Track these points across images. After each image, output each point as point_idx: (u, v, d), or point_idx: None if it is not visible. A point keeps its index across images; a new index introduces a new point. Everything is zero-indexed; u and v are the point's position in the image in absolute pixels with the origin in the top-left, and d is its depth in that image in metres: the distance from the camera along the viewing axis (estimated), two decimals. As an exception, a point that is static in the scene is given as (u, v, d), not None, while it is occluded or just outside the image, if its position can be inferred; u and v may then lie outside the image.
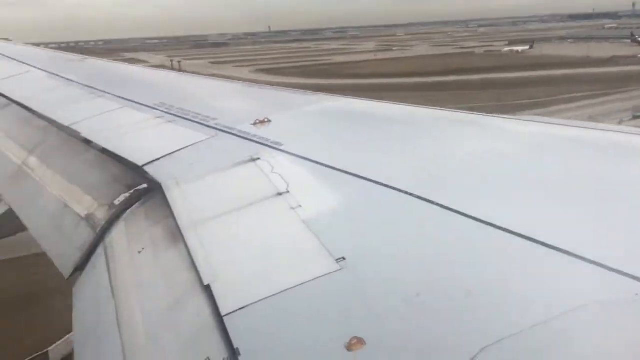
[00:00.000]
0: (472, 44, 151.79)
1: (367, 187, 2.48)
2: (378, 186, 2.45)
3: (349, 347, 1.53)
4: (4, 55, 9.64)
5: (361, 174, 2.58)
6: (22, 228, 3.79)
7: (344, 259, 1.93)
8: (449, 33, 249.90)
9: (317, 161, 2.84)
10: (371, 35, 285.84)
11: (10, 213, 4.06)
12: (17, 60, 8.95)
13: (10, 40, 12.81)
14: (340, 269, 1.88)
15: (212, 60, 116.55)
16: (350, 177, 2.59)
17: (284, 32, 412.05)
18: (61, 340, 11.07)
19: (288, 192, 2.56)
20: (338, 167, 2.72)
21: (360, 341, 1.54)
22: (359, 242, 2.08)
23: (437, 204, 2.19)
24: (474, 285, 1.69)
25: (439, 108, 3.72)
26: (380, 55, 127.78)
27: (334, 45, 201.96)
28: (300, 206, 2.40)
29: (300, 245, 2.13)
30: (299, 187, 2.60)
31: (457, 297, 1.66)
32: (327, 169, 2.74)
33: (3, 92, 6.63)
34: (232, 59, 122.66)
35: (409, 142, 3.20)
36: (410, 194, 2.31)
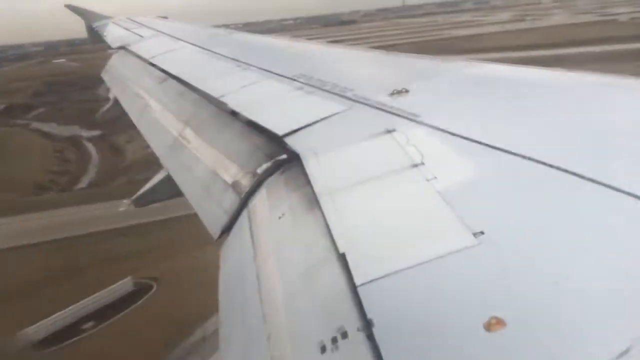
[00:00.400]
0: (621, 9, 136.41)
1: (509, 159, 2.31)
2: (522, 159, 2.27)
3: (488, 327, 1.46)
4: (161, 32, 10.52)
5: (503, 146, 2.41)
6: (179, 192, 4.12)
7: (482, 233, 1.83)
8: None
9: (455, 133, 2.72)
10: (513, 5, 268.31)
11: (169, 179, 4.45)
12: (173, 36, 9.62)
13: (167, 18, 13.94)
14: (479, 244, 1.79)
15: (330, 39, 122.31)
16: (491, 149, 2.44)
17: (418, 6, 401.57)
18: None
19: (423, 163, 2.50)
20: (478, 138, 2.57)
21: (499, 322, 1.46)
22: (498, 217, 1.95)
23: (589, 179, 1.99)
24: (630, 273, 1.54)
25: (596, 73, 3.39)
26: (508, 27, 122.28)
27: (465, 17, 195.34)
28: (436, 178, 2.32)
29: (435, 217, 2.06)
30: (434, 159, 2.52)
31: (609, 283, 1.52)
32: (465, 140, 2.61)
33: (162, 67, 7.20)
34: (349, 37, 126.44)
35: (559, 111, 2.92)
36: (559, 168, 2.11)
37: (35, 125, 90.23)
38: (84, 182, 61.50)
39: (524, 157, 2.29)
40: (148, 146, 5.31)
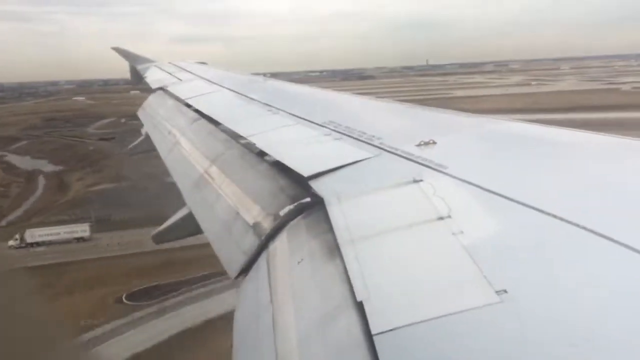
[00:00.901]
0: (630, 79, 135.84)
1: (535, 216, 2.27)
2: (547, 216, 2.23)
3: None
4: (199, 77, 10.93)
5: (528, 203, 2.38)
6: (199, 230, 4.11)
7: (505, 291, 1.77)
8: (618, 67, 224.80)
9: (482, 186, 2.68)
10: (529, 69, 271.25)
11: (189, 216, 4.44)
12: (210, 81, 9.97)
13: (206, 64, 14.47)
14: (501, 302, 1.73)
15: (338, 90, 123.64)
16: (517, 205, 2.40)
17: (440, 66, 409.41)
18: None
19: (450, 216, 2.45)
20: (504, 193, 2.53)
21: None
22: (522, 276, 1.89)
23: (613, 240, 1.95)
24: None
25: (615, 135, 3.42)
26: (511, 90, 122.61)
27: (477, 78, 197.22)
28: (462, 232, 2.27)
29: (459, 272, 2.01)
30: (461, 212, 2.47)
31: (631, 348, 1.46)
32: (492, 195, 2.57)
33: (196, 107, 7.41)
34: (358, 90, 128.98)
35: (581, 170, 2.93)
36: (583, 228, 2.07)
37: (9, 157, 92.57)
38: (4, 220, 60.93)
39: (548, 213, 2.26)
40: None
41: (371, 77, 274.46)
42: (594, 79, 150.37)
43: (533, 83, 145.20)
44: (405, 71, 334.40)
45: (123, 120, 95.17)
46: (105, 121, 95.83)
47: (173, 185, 5.30)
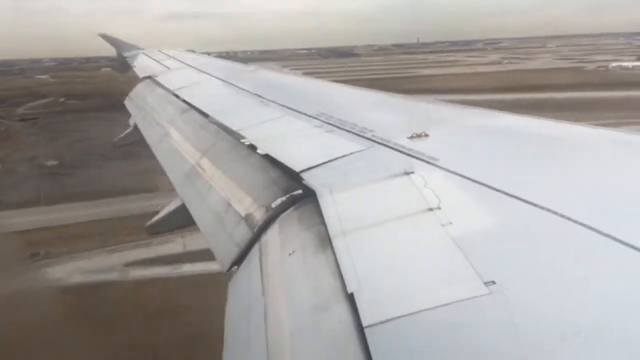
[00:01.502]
0: (603, 57, 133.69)
1: (525, 209, 2.31)
2: (537, 209, 2.28)
3: None
4: (188, 65, 10.82)
5: (519, 195, 2.42)
6: (192, 222, 4.13)
7: (493, 282, 1.81)
8: (604, 44, 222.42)
9: (473, 179, 2.71)
10: (515, 47, 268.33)
11: (182, 207, 4.45)
12: (199, 70, 9.89)
13: (194, 52, 14.39)
14: (489, 293, 1.76)
15: (310, 71, 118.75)
16: (508, 197, 2.44)
17: (431, 44, 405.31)
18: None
19: (439, 208, 2.49)
20: (495, 186, 2.57)
21: None
22: (511, 267, 1.93)
23: (601, 232, 1.98)
24: None
25: (612, 129, 3.44)
26: (468, 69, 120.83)
27: (458, 56, 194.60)
28: (451, 223, 2.31)
29: (447, 263, 2.04)
30: (451, 204, 2.51)
31: (619, 339, 1.49)
32: (483, 187, 2.61)
33: (184, 98, 7.35)
34: (329, 70, 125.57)
35: (574, 164, 2.95)
36: (572, 220, 2.12)
37: None
38: None
39: (537, 206, 2.30)
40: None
41: (354, 54, 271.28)
42: (566, 57, 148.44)
43: (504, 62, 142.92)
44: (392, 49, 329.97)
45: (62, 99, 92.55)
46: (44, 101, 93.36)
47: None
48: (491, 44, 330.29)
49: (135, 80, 11.46)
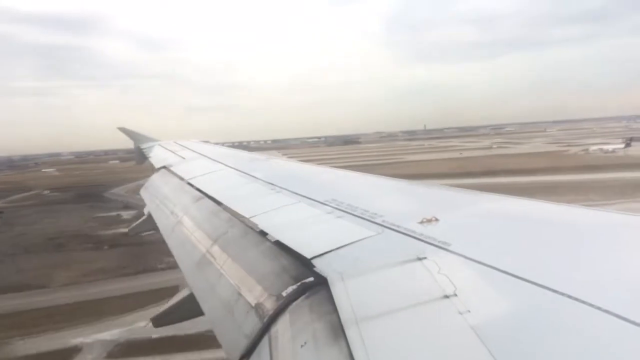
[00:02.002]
0: (592, 141, 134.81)
1: (543, 294, 2.24)
2: (555, 294, 2.21)
3: None
4: (203, 155, 10.97)
5: (536, 281, 2.36)
6: (200, 312, 4.02)
7: None
8: (602, 128, 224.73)
9: (488, 264, 2.65)
10: (516, 132, 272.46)
11: (191, 298, 4.35)
12: (213, 159, 9.99)
13: (209, 142, 14.60)
14: None
15: (297, 155, 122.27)
16: (525, 282, 2.38)
17: (438, 130, 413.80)
18: None
19: (455, 295, 2.41)
20: (511, 271, 2.51)
21: None
22: (534, 356, 1.84)
23: (626, 319, 1.92)
24: None
25: (623, 212, 3.45)
26: (467, 154, 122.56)
27: (454, 142, 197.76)
28: (469, 311, 2.23)
29: (467, 354, 1.94)
30: (467, 291, 2.43)
31: None
32: (498, 272, 2.54)
33: (198, 187, 7.44)
34: (325, 157, 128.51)
35: (589, 248, 2.90)
36: (594, 306, 2.05)
37: None
38: None
39: (555, 291, 2.24)
40: None
41: (356, 142, 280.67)
42: (556, 142, 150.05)
43: (493, 147, 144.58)
44: (400, 135, 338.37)
45: (46, 192, 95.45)
46: (27, 194, 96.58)
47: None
48: (496, 129, 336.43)
49: (141, 169, 11.86)
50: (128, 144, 18.58)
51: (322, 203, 4.74)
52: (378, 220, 3.81)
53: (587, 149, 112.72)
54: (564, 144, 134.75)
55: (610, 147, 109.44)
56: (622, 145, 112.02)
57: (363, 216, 4.03)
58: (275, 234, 4.12)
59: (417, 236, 3.30)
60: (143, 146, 15.81)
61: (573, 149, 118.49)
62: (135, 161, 16.15)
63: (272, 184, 6.23)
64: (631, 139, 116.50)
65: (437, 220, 3.54)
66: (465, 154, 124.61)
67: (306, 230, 4.12)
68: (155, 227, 7.26)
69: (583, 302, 2.08)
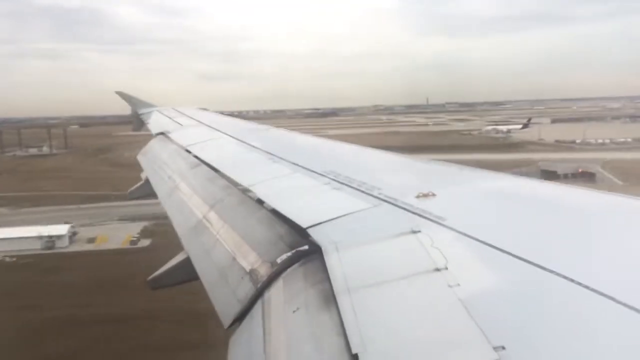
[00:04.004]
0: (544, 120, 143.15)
1: (534, 271, 2.28)
2: (544, 271, 2.25)
3: None
4: (201, 123, 11.08)
5: (526, 257, 2.40)
6: (196, 276, 4.07)
7: (503, 348, 1.75)
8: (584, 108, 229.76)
9: (481, 239, 2.70)
10: (501, 110, 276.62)
11: (187, 261, 4.43)
12: (211, 127, 10.10)
13: (207, 110, 14.61)
14: (499, 359, 1.71)
15: (280, 125, 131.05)
16: (516, 259, 2.42)
17: (439, 105, 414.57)
18: None
19: (446, 268, 2.45)
20: (502, 247, 2.56)
21: None
22: (521, 332, 1.88)
23: (611, 297, 1.96)
24: None
25: (618, 194, 3.44)
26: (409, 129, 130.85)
27: (418, 118, 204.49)
28: (459, 285, 2.26)
29: (455, 326, 1.99)
30: (458, 265, 2.48)
31: None
32: (490, 248, 2.59)
33: (196, 154, 7.51)
34: (299, 126, 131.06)
35: (580, 226, 2.95)
36: (581, 284, 2.09)
37: None
38: None
39: (544, 268, 2.27)
40: None
41: (332, 115, 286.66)
42: (489, 121, 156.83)
43: (429, 124, 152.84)
44: (395, 108, 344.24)
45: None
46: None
47: None
48: (494, 106, 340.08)
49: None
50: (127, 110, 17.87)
51: (320, 174, 4.80)
52: (375, 193, 3.87)
53: (480, 129, 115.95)
54: (485, 122, 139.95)
55: (505, 128, 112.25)
56: (519, 127, 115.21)
57: (361, 188, 4.08)
58: (272, 202, 4.19)
59: (414, 210, 3.35)
60: (141, 112, 15.69)
61: (477, 128, 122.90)
62: (133, 127, 16.08)
63: (270, 154, 6.32)
64: (529, 120, 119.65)
65: (434, 195, 3.60)
66: (388, 129, 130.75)
67: (303, 200, 4.19)
68: (152, 192, 7.47)
69: (571, 280, 2.12)
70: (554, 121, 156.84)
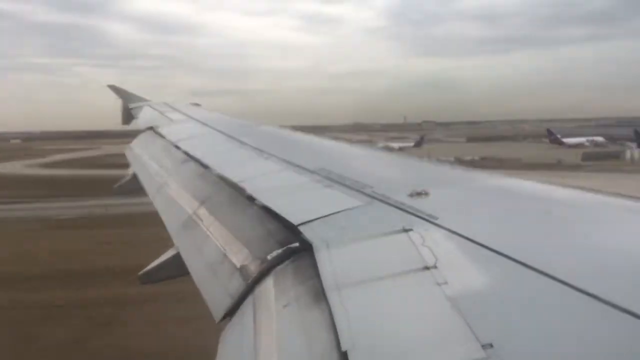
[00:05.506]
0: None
1: (523, 272, 2.31)
2: (534, 272, 2.27)
3: None
4: (192, 118, 10.91)
5: (517, 257, 2.42)
6: (187, 271, 4.09)
7: (491, 345, 1.76)
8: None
9: (472, 239, 2.72)
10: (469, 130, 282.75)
11: (178, 257, 4.44)
12: (202, 123, 9.94)
13: (200, 105, 14.52)
14: (487, 358, 1.71)
15: None
16: (505, 259, 2.44)
17: (416, 124, 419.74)
18: None
19: (436, 267, 2.47)
20: (493, 247, 2.58)
21: None
22: (509, 330, 1.91)
23: (598, 298, 1.97)
24: None
25: (613, 194, 3.45)
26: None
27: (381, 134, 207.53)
28: (447, 283, 2.29)
29: (443, 324, 2.01)
30: (448, 263, 2.51)
31: None
32: (481, 248, 2.61)
33: (185, 149, 7.40)
34: None
35: (573, 227, 2.98)
36: (570, 285, 2.10)
37: None
38: None
39: (534, 269, 2.29)
40: None
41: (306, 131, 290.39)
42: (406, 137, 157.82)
43: (374, 140, 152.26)
44: (372, 126, 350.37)
45: None
46: None
47: None
48: (468, 125, 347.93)
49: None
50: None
51: (311, 171, 4.79)
52: (367, 191, 3.88)
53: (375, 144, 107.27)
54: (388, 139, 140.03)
55: (396, 145, 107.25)
56: (412, 144, 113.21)
57: (352, 186, 4.08)
58: (263, 199, 4.19)
59: (406, 208, 3.36)
60: (131, 106, 15.43)
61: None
62: (121, 121, 15.63)
63: (261, 150, 6.28)
64: (422, 138, 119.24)
65: (427, 194, 3.61)
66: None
67: (294, 197, 4.20)
68: (140, 187, 7.39)
69: (559, 280, 2.14)
70: (469, 140, 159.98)
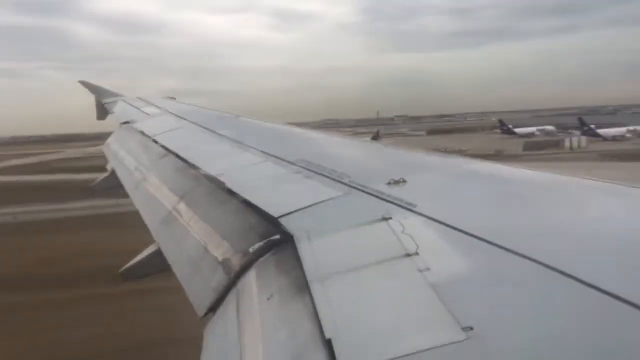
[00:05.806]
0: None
1: (502, 255, 2.35)
2: (514, 255, 2.31)
3: None
4: (168, 112, 10.69)
5: (497, 242, 2.46)
6: (169, 267, 4.06)
7: (471, 328, 1.81)
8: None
9: (451, 225, 2.76)
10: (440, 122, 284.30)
11: (159, 253, 4.40)
12: (178, 116, 9.78)
13: (174, 99, 14.30)
14: (467, 339, 1.76)
15: None
16: (485, 244, 2.48)
17: (388, 119, 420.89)
18: None
19: (417, 254, 2.51)
20: (473, 232, 2.61)
21: None
22: (489, 313, 1.95)
23: (580, 280, 2.01)
24: None
25: (592, 178, 3.51)
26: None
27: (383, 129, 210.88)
28: (429, 269, 2.33)
29: (425, 309, 2.05)
30: (428, 250, 2.54)
31: None
32: (460, 233, 2.65)
33: (163, 144, 7.32)
34: None
35: (552, 211, 3.00)
36: (550, 267, 2.14)
37: None
38: None
39: (514, 252, 2.33)
40: None
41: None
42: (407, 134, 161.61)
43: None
44: (341, 122, 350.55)
45: None
46: None
47: None
48: (437, 119, 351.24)
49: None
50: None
51: (290, 163, 4.79)
52: (346, 181, 3.91)
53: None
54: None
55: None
56: (369, 138, 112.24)
57: (331, 176, 4.11)
58: (243, 192, 4.18)
59: (384, 197, 3.39)
60: (105, 101, 15.25)
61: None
62: (97, 116, 15.47)
63: (239, 142, 6.27)
64: (378, 132, 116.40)
65: (404, 182, 3.64)
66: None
67: (274, 190, 4.21)
68: (118, 184, 7.33)
69: (540, 263, 2.17)
70: (429, 133, 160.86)
